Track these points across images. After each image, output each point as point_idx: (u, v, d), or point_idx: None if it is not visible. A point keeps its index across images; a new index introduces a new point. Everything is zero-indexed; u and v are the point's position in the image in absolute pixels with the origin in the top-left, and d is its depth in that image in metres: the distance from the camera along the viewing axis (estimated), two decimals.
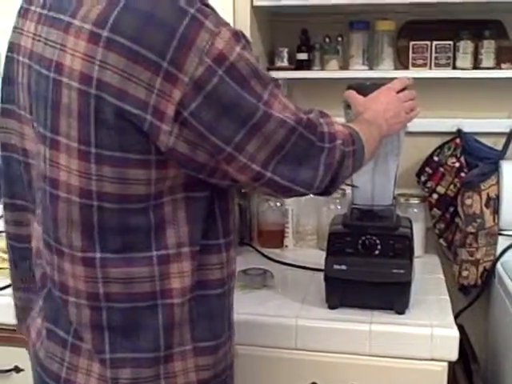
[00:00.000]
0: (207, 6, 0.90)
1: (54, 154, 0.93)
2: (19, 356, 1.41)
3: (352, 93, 1.33)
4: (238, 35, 0.90)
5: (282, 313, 1.38)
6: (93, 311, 0.96)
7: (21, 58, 0.98)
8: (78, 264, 0.95)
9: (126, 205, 0.92)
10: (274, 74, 1.42)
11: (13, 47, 1.01)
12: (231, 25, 0.92)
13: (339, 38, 1.81)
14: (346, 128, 1.07)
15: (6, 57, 1.02)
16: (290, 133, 0.93)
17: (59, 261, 0.97)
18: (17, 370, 1.47)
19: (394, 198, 1.48)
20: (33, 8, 0.97)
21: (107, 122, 0.87)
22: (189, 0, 0.86)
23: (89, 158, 0.90)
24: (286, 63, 1.84)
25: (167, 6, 0.85)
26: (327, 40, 1.82)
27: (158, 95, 0.85)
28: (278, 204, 1.85)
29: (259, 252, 1.82)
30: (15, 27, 1.01)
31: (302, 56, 1.83)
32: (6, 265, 1.61)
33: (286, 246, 1.86)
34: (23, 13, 0.99)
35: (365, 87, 1.34)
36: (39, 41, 0.94)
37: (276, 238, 1.87)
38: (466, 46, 1.72)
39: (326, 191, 1.04)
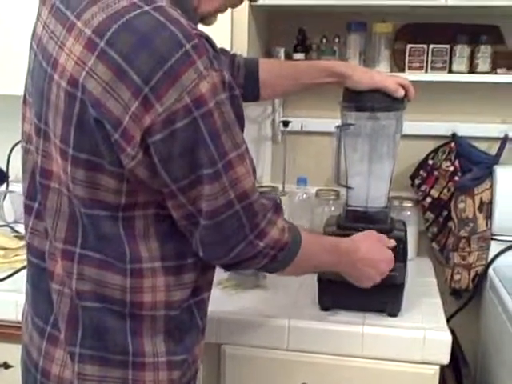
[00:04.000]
0: (207, 39, 0.89)
1: (46, 145, 0.95)
2: (9, 352, 1.40)
3: None
4: (224, 84, 0.89)
5: (274, 313, 1.37)
6: (72, 302, 0.97)
7: (34, 44, 0.99)
8: (58, 255, 0.98)
9: (95, 211, 0.93)
10: None
11: (33, 33, 1.01)
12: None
13: (336, 39, 1.81)
14: (288, 235, 1.02)
15: (30, 43, 1.01)
16: (227, 206, 0.92)
17: (49, 247, 0.99)
18: (5, 366, 1.45)
19: (389, 200, 1.48)
20: None
21: (87, 127, 0.88)
22: (188, 34, 0.85)
23: (67, 158, 0.91)
24: None
25: (166, 35, 0.84)
26: (324, 40, 1.82)
27: (131, 118, 0.85)
28: None
29: None
30: (38, 13, 1.00)
31: (299, 56, 1.82)
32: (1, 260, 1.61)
33: None
34: None
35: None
36: (46, 31, 0.95)
37: None
38: (462, 51, 1.73)
39: (222, 267, 1.03)
